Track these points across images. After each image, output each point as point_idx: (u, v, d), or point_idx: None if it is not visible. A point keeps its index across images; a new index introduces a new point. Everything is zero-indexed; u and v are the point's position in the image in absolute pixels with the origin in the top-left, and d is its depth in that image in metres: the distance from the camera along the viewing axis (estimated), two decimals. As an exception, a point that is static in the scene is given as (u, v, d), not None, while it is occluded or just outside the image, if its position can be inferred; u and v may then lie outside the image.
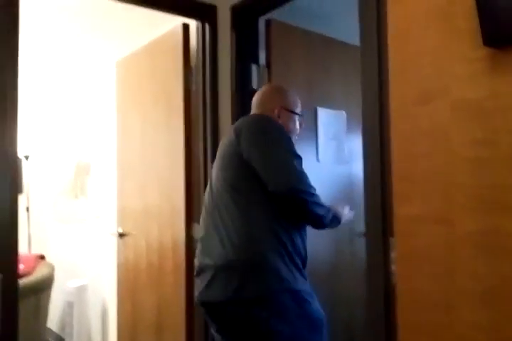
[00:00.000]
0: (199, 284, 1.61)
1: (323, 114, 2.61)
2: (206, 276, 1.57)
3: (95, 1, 2.76)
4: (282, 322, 1.47)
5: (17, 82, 1.82)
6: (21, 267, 3.25)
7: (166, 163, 2.42)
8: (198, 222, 2.24)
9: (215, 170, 1.73)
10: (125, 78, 2.88)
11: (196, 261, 1.67)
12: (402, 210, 1.23)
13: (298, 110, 1.91)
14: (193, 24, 2.47)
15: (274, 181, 1.52)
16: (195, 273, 1.67)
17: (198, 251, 1.70)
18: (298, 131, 1.92)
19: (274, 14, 2.45)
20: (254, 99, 1.92)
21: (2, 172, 1.74)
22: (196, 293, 1.62)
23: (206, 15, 2.44)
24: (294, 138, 1.84)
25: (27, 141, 4.25)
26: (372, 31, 1.39)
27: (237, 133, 1.65)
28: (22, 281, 3.12)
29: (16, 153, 1.80)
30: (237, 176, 1.61)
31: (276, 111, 1.83)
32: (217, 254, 1.55)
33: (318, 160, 2.57)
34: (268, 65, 2.43)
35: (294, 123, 1.88)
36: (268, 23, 2.46)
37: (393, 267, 1.27)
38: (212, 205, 1.66)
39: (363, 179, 1.42)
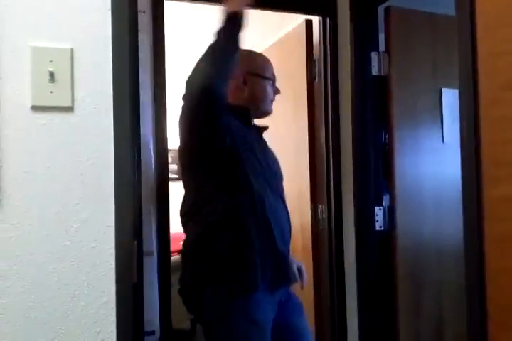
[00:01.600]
0: None
1: (449, 95, 2.59)
2: None
3: None
4: None
5: (165, 87, 2.21)
6: (181, 243, 3.78)
7: (292, 150, 2.65)
8: (324, 204, 2.47)
9: None
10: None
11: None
12: (491, 193, 1.29)
13: (268, 74, 1.75)
14: (315, 19, 2.64)
15: None
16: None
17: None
18: (271, 97, 1.78)
19: (394, 1, 2.50)
20: None
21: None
22: None
23: (327, 11, 2.58)
24: (269, 105, 1.74)
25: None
26: (467, 20, 1.43)
27: None
28: (177, 257, 3.65)
29: (165, 150, 2.20)
30: None
31: (241, 78, 1.69)
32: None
33: (443, 141, 2.57)
34: (388, 51, 2.50)
35: (264, 89, 1.74)
36: (387, 10, 2.52)
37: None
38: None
39: (460, 163, 1.47)
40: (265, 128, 1.88)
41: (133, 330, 1.02)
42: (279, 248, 1.62)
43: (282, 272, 1.65)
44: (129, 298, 1.01)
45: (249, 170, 1.61)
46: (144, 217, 1.28)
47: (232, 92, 1.67)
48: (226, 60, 1.45)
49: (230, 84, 1.59)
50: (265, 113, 1.83)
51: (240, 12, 1.44)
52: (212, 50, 1.43)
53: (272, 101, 1.79)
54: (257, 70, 1.73)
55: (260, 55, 1.83)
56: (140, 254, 1.02)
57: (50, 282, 1.02)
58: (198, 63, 1.45)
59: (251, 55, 1.77)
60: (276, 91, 1.80)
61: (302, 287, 1.87)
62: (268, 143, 1.93)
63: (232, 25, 1.43)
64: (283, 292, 1.70)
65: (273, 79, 1.79)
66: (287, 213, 1.79)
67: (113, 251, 1.02)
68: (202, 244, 1.61)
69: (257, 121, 1.89)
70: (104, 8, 1.05)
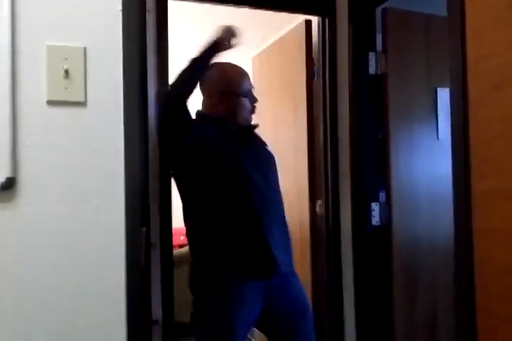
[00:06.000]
0: None
1: (443, 94, 2.66)
2: None
3: (237, 10, 3.09)
4: None
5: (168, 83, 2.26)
6: (182, 238, 3.85)
7: (292, 148, 2.72)
8: (321, 199, 2.54)
9: None
10: (259, 72, 3.24)
11: None
12: (479, 186, 1.36)
13: (241, 90, 1.83)
14: (314, 19, 2.70)
15: None
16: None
17: None
18: (248, 109, 1.85)
19: (391, 2, 2.57)
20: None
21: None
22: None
23: (326, 11, 2.64)
24: (247, 117, 1.84)
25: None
26: (457, 23, 1.50)
27: None
28: (183, 249, 3.72)
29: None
30: None
31: (217, 97, 1.80)
32: None
33: (438, 138, 2.64)
34: (385, 50, 2.56)
35: (240, 104, 1.82)
36: (384, 11, 2.58)
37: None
38: None
39: (451, 159, 1.54)
40: (252, 127, 1.94)
41: (142, 312, 1.09)
42: (265, 239, 1.69)
43: (265, 263, 1.70)
44: (138, 281, 1.08)
45: (232, 170, 1.71)
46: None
47: (210, 109, 1.84)
48: (198, 78, 1.73)
49: (207, 102, 1.82)
50: (245, 123, 1.90)
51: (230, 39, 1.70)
52: (190, 71, 1.69)
53: (250, 111, 1.87)
54: (231, 88, 1.82)
55: (234, 70, 1.88)
56: (148, 240, 1.09)
57: (63, 267, 1.09)
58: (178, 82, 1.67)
59: (224, 73, 1.85)
60: (254, 100, 1.88)
61: None
62: (260, 141, 1.99)
63: (212, 55, 1.70)
64: (271, 280, 1.74)
65: (248, 93, 1.86)
66: (280, 204, 1.87)
67: (123, 237, 1.09)
68: (193, 238, 1.80)
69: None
70: (116, 9, 1.11)
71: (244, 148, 1.82)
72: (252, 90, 1.90)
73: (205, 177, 1.71)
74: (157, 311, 2.08)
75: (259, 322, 1.78)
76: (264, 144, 1.99)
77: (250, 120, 1.92)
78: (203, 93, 1.88)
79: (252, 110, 1.89)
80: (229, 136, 1.80)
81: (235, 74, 1.87)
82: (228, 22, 3.29)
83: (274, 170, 1.95)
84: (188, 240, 1.85)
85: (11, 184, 1.06)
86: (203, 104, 1.89)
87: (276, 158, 2.01)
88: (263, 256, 1.68)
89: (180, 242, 3.82)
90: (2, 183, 1.04)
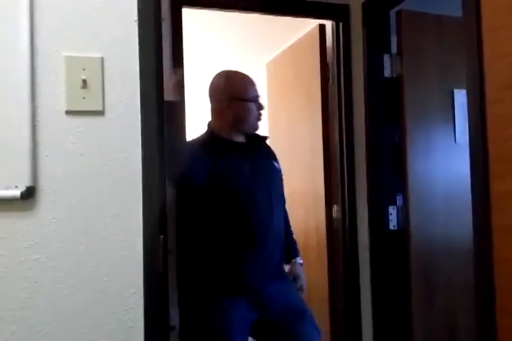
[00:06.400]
0: None
1: (460, 96, 2.64)
2: None
3: (250, 15, 3.09)
4: None
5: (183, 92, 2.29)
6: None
7: (307, 152, 2.72)
8: (337, 204, 2.53)
9: None
10: (273, 77, 3.24)
11: None
12: (497, 187, 1.34)
13: (248, 96, 1.86)
14: (328, 24, 2.70)
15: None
16: None
17: None
18: (255, 115, 1.88)
19: (404, 5, 2.56)
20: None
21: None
22: None
23: (340, 15, 2.65)
24: (254, 124, 1.87)
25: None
26: (472, 23, 1.49)
27: None
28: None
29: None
30: None
31: (225, 103, 1.84)
32: None
33: (455, 140, 2.62)
34: (400, 53, 2.55)
35: (247, 111, 1.85)
36: (399, 13, 2.58)
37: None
38: None
39: (469, 159, 1.53)
40: (261, 138, 1.99)
41: (159, 317, 1.10)
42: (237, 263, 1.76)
43: (234, 284, 1.77)
44: (156, 287, 1.09)
45: (234, 188, 1.76)
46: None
47: (218, 115, 1.88)
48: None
49: (215, 109, 1.87)
50: (252, 130, 1.94)
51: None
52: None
53: (257, 117, 1.90)
54: (238, 94, 1.85)
55: (242, 77, 1.92)
56: (165, 248, 1.10)
57: (83, 273, 1.11)
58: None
59: (231, 79, 1.90)
60: (260, 107, 1.91)
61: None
62: (270, 154, 2.03)
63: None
64: (262, 291, 1.79)
65: (255, 99, 1.89)
66: (278, 228, 1.88)
67: (141, 245, 1.10)
68: (181, 250, 1.89)
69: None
70: (132, 19, 1.13)
71: (250, 166, 1.85)
72: (259, 98, 1.93)
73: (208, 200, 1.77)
74: (174, 317, 2.09)
75: (257, 333, 1.83)
76: (273, 158, 2.02)
77: (257, 127, 1.95)
78: (211, 100, 1.92)
79: (259, 117, 1.91)
80: (236, 155, 1.84)
81: (242, 80, 1.90)
82: (240, 28, 3.33)
83: (278, 189, 1.97)
84: (177, 252, 1.91)
85: (31, 193, 1.07)
86: (212, 112, 1.93)
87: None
88: (232, 278, 1.76)
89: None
90: (22, 192, 1.06)
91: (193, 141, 1.87)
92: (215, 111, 1.90)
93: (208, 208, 1.76)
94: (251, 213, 1.75)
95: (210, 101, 1.93)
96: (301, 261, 2.07)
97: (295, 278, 2.00)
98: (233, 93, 1.85)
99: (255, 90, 1.91)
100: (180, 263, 1.91)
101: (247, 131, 1.92)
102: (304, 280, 2.03)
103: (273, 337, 1.83)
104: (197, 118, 4.97)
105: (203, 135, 1.91)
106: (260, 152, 1.96)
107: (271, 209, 1.82)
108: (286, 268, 2.01)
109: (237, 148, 1.88)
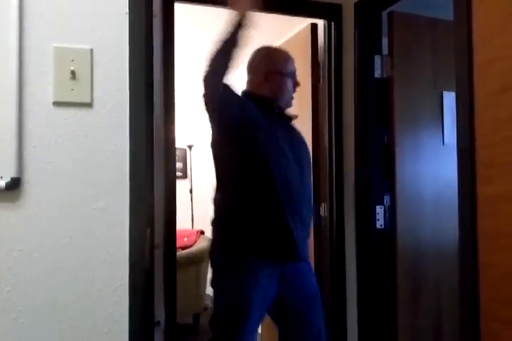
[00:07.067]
0: None
1: (449, 98, 2.66)
2: None
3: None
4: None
5: (173, 88, 2.29)
6: (185, 240, 3.87)
7: (297, 150, 2.73)
8: (326, 202, 2.54)
9: None
10: (264, 75, 3.25)
11: None
12: (484, 191, 1.36)
13: (286, 69, 1.89)
14: (320, 23, 2.71)
15: None
16: None
17: None
18: (290, 91, 1.90)
19: (397, 6, 2.57)
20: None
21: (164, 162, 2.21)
22: None
23: (332, 15, 2.65)
24: (289, 100, 1.88)
25: (191, 134, 4.91)
26: (463, 28, 1.50)
27: None
28: (185, 251, 3.74)
29: (173, 148, 2.27)
30: None
31: (262, 76, 1.86)
32: None
33: (443, 143, 2.64)
34: (391, 54, 2.56)
35: (283, 85, 1.87)
36: (390, 14, 2.59)
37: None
38: None
39: (457, 162, 1.54)
40: (292, 117, 1.99)
41: (144, 312, 1.09)
42: (288, 226, 1.71)
43: (283, 248, 1.73)
44: (142, 281, 1.08)
45: (268, 153, 1.72)
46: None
47: (254, 88, 1.88)
48: (231, 55, 1.67)
49: (252, 80, 1.87)
50: (285, 106, 1.95)
51: (246, 14, 1.64)
52: (218, 49, 1.65)
53: (291, 93, 1.91)
54: (276, 67, 1.88)
55: (280, 51, 1.96)
56: (152, 241, 1.10)
57: (68, 265, 1.10)
58: (209, 60, 1.66)
59: (270, 53, 1.94)
60: (296, 84, 1.93)
61: None
62: (297, 130, 2.02)
63: (238, 27, 1.64)
64: (285, 267, 1.78)
65: (292, 74, 1.91)
66: (309, 195, 1.88)
67: (127, 238, 1.10)
68: (219, 209, 1.80)
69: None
70: (122, 12, 1.12)
71: (283, 131, 1.86)
72: (295, 75, 1.94)
73: (241, 148, 1.74)
74: (159, 312, 2.09)
75: (270, 307, 1.81)
76: (300, 134, 2.02)
77: (291, 104, 1.96)
78: (249, 72, 1.93)
79: (291, 94, 1.92)
80: (270, 116, 1.83)
81: (282, 55, 1.93)
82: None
83: (308, 158, 1.98)
84: (214, 211, 1.83)
85: (16, 184, 1.06)
86: (248, 83, 1.93)
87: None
88: (285, 240, 1.71)
89: (183, 244, 3.85)
90: (7, 183, 1.05)
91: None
92: (252, 84, 1.90)
93: (244, 163, 1.74)
94: (283, 178, 1.73)
95: (247, 73, 1.93)
96: None
97: None
98: (271, 67, 1.87)
99: (293, 66, 1.93)
100: (220, 219, 1.81)
101: (281, 106, 1.92)
102: None
103: (283, 314, 1.84)
104: (193, 112, 4.98)
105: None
106: (291, 125, 1.98)
107: (302, 177, 1.82)
108: None
109: (272, 113, 1.86)
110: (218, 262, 1.79)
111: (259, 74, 1.87)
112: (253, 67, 1.92)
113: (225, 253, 1.76)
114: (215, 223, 1.82)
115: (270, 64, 1.89)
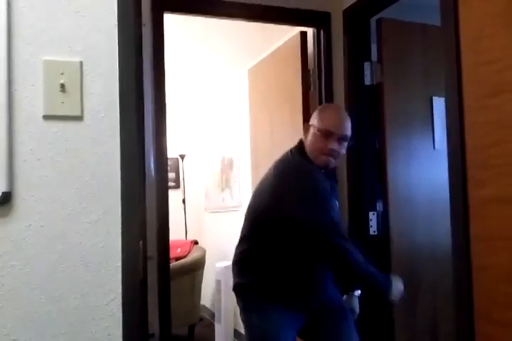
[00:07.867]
0: None
1: (439, 103, 2.68)
2: None
3: (232, 22, 3.06)
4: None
5: (164, 98, 2.28)
6: (178, 250, 3.85)
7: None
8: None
9: None
10: (255, 83, 3.25)
11: None
12: (476, 194, 1.36)
13: (328, 128, 1.90)
14: (309, 31, 2.73)
15: None
16: None
17: None
18: (322, 150, 1.91)
19: (386, 13, 2.60)
20: None
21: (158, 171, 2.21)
22: None
23: (321, 23, 2.68)
24: (315, 157, 1.91)
25: (182, 144, 4.92)
26: (451, 32, 1.52)
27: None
28: (179, 262, 3.72)
29: (165, 159, 2.26)
30: None
31: (304, 128, 1.99)
32: None
33: (434, 148, 2.65)
34: (380, 60, 2.59)
35: (316, 141, 1.90)
36: (379, 21, 2.61)
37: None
38: None
39: (448, 166, 1.55)
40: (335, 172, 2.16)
41: (138, 325, 1.08)
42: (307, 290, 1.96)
43: (303, 301, 1.95)
44: (135, 294, 1.07)
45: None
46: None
47: (310, 147, 1.95)
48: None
49: (311, 139, 1.94)
50: (331, 166, 2.01)
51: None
52: (358, 271, 1.93)
53: (323, 154, 1.92)
54: (316, 124, 1.93)
55: (327, 110, 2.06)
56: (145, 253, 1.09)
57: (60, 280, 1.08)
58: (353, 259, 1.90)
59: (319, 109, 2.05)
60: (341, 148, 1.95)
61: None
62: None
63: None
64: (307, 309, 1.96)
65: (328, 133, 1.90)
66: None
67: (119, 250, 1.09)
68: (252, 259, 1.97)
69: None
70: (112, 24, 1.12)
71: (333, 194, 2.00)
72: (345, 137, 1.96)
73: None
74: (154, 324, 2.07)
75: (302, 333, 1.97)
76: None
77: (319, 163, 1.95)
78: (309, 128, 1.97)
79: (326, 154, 1.94)
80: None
81: (329, 114, 1.99)
82: (223, 34, 3.33)
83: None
84: (243, 259, 1.98)
85: (7, 199, 1.05)
86: (305, 139, 1.98)
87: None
88: (302, 293, 1.93)
89: (177, 255, 3.83)
90: (-2, 198, 1.04)
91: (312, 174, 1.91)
92: (309, 142, 1.95)
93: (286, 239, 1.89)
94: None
95: (308, 128, 1.99)
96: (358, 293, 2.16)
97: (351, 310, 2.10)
98: (315, 122, 1.94)
99: (343, 128, 1.94)
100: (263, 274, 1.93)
101: (328, 167, 1.99)
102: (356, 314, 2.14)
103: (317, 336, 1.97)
104: (183, 123, 4.98)
105: (303, 159, 1.94)
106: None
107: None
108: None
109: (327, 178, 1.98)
110: (251, 305, 1.94)
111: (306, 128, 2.00)
112: (316, 125, 1.96)
113: (259, 298, 1.91)
114: (247, 273, 1.96)
115: (314, 118, 2.00)
